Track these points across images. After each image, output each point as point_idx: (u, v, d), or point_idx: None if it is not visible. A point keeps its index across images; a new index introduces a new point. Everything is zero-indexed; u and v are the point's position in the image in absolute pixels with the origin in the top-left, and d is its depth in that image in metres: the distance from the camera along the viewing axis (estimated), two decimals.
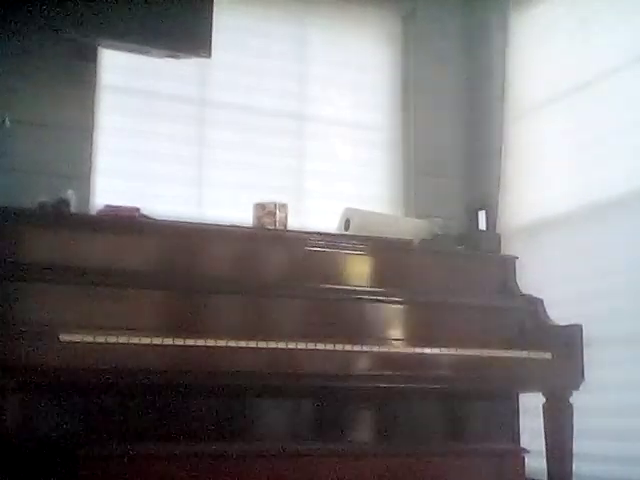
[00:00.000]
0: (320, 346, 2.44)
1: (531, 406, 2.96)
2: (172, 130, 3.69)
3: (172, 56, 3.51)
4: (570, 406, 2.79)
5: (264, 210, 2.97)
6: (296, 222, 3.20)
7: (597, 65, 3.46)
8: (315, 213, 3.76)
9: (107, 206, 2.82)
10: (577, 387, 2.79)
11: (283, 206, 3.00)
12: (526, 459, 2.18)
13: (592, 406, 3.05)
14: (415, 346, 2.63)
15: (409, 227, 3.09)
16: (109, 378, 2.29)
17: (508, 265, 3.15)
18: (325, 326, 2.70)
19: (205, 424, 2.62)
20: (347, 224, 3.08)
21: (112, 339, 2.25)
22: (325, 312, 2.71)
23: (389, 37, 4.21)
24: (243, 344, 2.39)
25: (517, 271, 3.15)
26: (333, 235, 2.99)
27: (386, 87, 4.17)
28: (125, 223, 2.69)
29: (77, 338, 2.21)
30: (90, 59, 3.48)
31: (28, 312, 2.26)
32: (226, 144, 3.78)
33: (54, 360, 2.18)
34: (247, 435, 2.66)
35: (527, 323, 2.96)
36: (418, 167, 4.05)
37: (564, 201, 3.55)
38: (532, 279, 3.25)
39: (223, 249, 2.74)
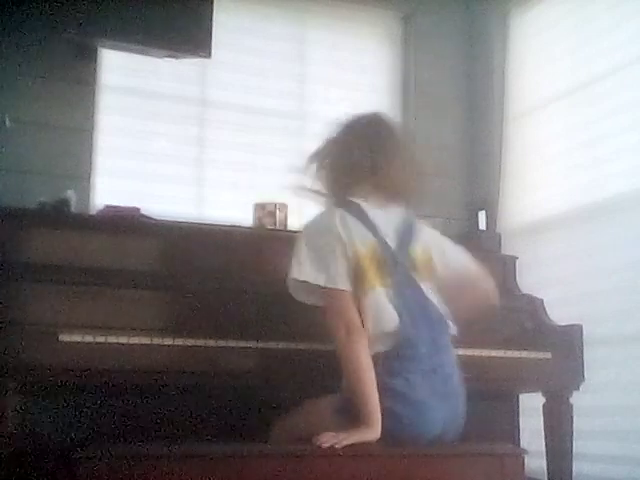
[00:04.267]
0: (320, 346, 2.44)
1: (531, 406, 2.96)
2: (172, 130, 3.69)
3: (172, 56, 3.52)
4: (570, 406, 2.79)
5: (264, 210, 2.97)
6: (296, 222, 3.20)
7: (597, 65, 3.46)
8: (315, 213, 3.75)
9: (107, 206, 2.82)
10: (577, 387, 2.79)
11: (283, 206, 2.99)
12: (526, 459, 2.17)
13: (592, 406, 3.06)
14: None
15: None
16: (109, 378, 2.29)
17: (508, 265, 3.15)
18: (325, 326, 2.70)
19: (205, 424, 2.61)
20: None
21: (112, 339, 2.25)
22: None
23: (389, 37, 4.21)
24: (244, 344, 2.40)
25: (517, 271, 3.15)
26: None
27: (386, 87, 4.17)
28: (125, 223, 2.69)
29: (77, 338, 2.21)
30: (90, 59, 3.48)
31: (28, 312, 2.26)
32: (226, 144, 3.78)
33: (54, 360, 2.19)
34: (247, 435, 2.66)
35: (527, 323, 2.95)
36: (418, 167, 4.03)
37: (564, 201, 3.55)
38: (532, 279, 3.25)
39: (223, 249, 2.73)
